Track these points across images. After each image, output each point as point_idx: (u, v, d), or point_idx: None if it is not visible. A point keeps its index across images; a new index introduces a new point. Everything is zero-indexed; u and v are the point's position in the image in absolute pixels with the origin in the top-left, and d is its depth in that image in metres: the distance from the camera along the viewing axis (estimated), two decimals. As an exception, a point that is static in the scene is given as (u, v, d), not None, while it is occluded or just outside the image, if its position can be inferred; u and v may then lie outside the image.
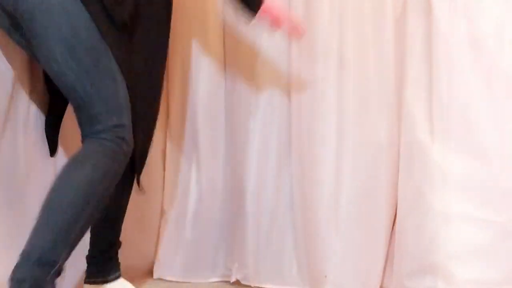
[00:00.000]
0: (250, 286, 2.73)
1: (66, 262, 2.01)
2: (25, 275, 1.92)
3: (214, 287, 2.78)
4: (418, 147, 2.57)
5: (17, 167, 2.27)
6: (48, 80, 2.26)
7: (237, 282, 2.77)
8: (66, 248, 1.98)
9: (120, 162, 2.11)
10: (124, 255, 2.48)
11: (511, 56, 2.50)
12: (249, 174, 2.73)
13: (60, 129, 2.36)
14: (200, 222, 2.83)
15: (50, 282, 1.95)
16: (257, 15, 2.41)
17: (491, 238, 2.49)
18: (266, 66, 2.71)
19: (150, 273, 2.85)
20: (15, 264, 1.94)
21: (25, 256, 1.95)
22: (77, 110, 2.13)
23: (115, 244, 2.44)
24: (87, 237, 2.34)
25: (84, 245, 2.34)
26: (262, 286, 2.72)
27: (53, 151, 2.36)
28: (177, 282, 2.82)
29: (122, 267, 2.47)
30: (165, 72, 2.50)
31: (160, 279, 2.83)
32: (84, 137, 2.12)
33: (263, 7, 2.40)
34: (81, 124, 2.13)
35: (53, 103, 2.32)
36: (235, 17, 2.63)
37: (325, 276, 2.65)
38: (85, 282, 2.41)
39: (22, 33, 2.13)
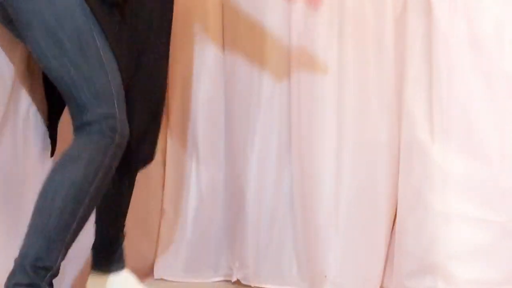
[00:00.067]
0: (250, 286, 2.73)
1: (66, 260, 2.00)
2: (20, 283, 1.90)
3: (214, 287, 2.78)
4: (418, 147, 2.57)
5: (16, 166, 2.26)
6: (45, 79, 2.24)
7: (238, 282, 2.77)
8: (61, 251, 1.95)
9: (113, 155, 2.03)
10: (124, 255, 2.49)
11: (511, 56, 2.50)
12: (249, 174, 2.73)
13: (59, 130, 2.36)
14: (201, 222, 2.83)
15: (46, 285, 1.93)
16: None
17: (491, 238, 2.49)
18: (266, 65, 2.71)
19: (150, 273, 2.85)
20: (10, 270, 1.93)
21: (20, 263, 1.92)
22: (67, 101, 2.07)
23: (118, 237, 2.41)
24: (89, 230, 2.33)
25: (83, 241, 2.34)
26: (262, 286, 2.72)
27: (53, 151, 2.35)
28: (177, 282, 2.82)
29: (122, 267, 2.47)
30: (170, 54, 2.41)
31: (161, 279, 2.83)
32: (75, 129, 2.05)
33: None
34: (72, 115, 2.07)
35: (50, 102, 2.31)
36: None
37: (325, 276, 2.65)
38: (91, 269, 2.40)
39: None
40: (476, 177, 2.51)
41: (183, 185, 2.84)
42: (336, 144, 2.64)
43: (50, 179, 1.99)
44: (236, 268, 2.76)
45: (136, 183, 2.40)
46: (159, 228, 2.88)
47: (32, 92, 2.31)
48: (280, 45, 2.71)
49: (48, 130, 2.33)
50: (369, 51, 2.63)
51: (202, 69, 2.78)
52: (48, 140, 2.33)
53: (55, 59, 2.01)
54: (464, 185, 2.52)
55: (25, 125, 2.28)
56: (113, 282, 2.38)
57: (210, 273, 2.83)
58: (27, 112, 2.29)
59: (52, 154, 2.34)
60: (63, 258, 1.97)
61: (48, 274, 1.93)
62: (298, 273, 2.72)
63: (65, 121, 2.36)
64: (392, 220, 2.66)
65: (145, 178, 2.42)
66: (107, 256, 2.38)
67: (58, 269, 1.96)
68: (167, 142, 2.85)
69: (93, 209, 2.03)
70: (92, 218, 2.34)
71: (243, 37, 2.74)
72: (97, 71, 2.02)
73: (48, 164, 2.34)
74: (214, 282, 2.82)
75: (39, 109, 2.33)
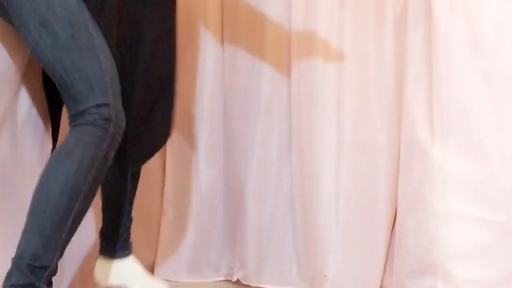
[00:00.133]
0: (250, 286, 2.73)
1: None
2: (17, 283, 1.89)
3: (214, 287, 2.78)
4: (418, 147, 2.57)
5: (15, 166, 2.26)
6: (45, 77, 2.23)
7: (238, 281, 2.77)
8: (57, 248, 1.93)
9: (108, 147, 1.97)
10: (124, 255, 2.49)
11: (511, 56, 2.50)
12: (249, 174, 2.73)
13: (60, 130, 2.36)
14: (201, 222, 2.83)
15: (44, 284, 1.92)
16: None
17: (491, 238, 2.49)
18: (266, 65, 2.72)
19: (151, 273, 2.85)
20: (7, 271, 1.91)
21: (16, 263, 1.91)
22: (61, 92, 2.03)
23: (123, 223, 2.38)
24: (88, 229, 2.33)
25: (82, 240, 2.34)
26: (262, 286, 2.72)
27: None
28: (178, 282, 2.82)
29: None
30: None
31: (161, 279, 2.83)
32: (70, 121, 2.01)
33: None
34: (66, 107, 2.03)
35: (51, 101, 2.31)
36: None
37: (325, 276, 2.65)
38: (98, 255, 2.39)
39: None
40: (476, 177, 2.51)
41: (183, 185, 2.84)
42: (336, 144, 2.65)
43: (44, 176, 1.96)
44: (236, 268, 2.76)
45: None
46: (159, 228, 2.88)
47: (32, 91, 2.31)
48: (280, 45, 2.71)
49: (50, 130, 2.33)
50: (369, 51, 2.63)
51: (202, 69, 2.79)
52: (48, 140, 2.33)
53: (48, 48, 1.98)
54: (464, 185, 2.52)
55: (24, 125, 2.28)
56: (118, 268, 2.37)
57: (211, 273, 2.83)
58: (27, 112, 2.29)
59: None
60: (60, 256, 1.95)
61: (46, 273, 1.91)
62: (298, 273, 2.73)
63: (66, 121, 2.37)
64: (392, 220, 2.66)
65: (145, 178, 2.41)
66: (113, 242, 2.37)
67: (56, 267, 1.94)
68: (167, 142, 2.85)
69: (89, 203, 2.00)
70: (92, 218, 2.34)
71: (243, 36, 2.75)
72: (89, 59, 1.98)
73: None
74: (214, 282, 2.82)
75: (39, 108, 2.33)
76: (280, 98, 2.72)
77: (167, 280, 2.81)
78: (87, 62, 1.98)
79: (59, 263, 1.96)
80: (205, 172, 2.82)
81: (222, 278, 2.82)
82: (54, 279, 1.97)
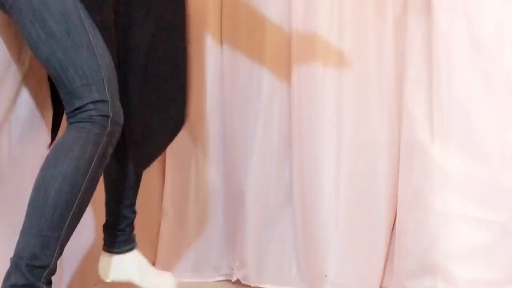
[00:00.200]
0: (250, 285, 2.73)
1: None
2: (16, 284, 1.88)
3: (214, 287, 2.78)
4: (418, 147, 2.57)
5: (15, 167, 2.26)
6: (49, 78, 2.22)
7: (238, 281, 2.77)
8: (56, 247, 1.92)
9: (106, 144, 1.96)
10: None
11: (511, 56, 2.50)
12: (249, 174, 2.73)
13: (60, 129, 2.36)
14: (201, 222, 2.83)
15: (43, 284, 1.91)
16: None
17: (491, 238, 2.49)
18: (266, 65, 2.72)
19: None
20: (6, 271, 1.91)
21: (15, 263, 1.90)
22: (59, 89, 2.01)
23: (124, 217, 2.38)
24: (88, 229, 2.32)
25: (81, 239, 2.34)
26: (262, 286, 2.72)
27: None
28: (178, 281, 2.82)
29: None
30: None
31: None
32: (68, 118, 2.00)
33: None
34: (64, 104, 2.01)
35: (54, 102, 2.30)
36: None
37: (325, 276, 2.66)
38: (103, 248, 2.40)
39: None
40: (476, 177, 2.51)
41: (183, 185, 2.84)
42: (336, 144, 2.65)
43: (42, 175, 1.95)
44: (236, 267, 2.76)
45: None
46: (159, 228, 2.88)
47: (32, 91, 2.31)
48: (280, 45, 2.71)
49: (52, 130, 2.33)
50: (369, 51, 2.63)
51: (202, 69, 2.79)
52: (48, 140, 2.33)
53: (43, 43, 1.97)
54: (464, 185, 2.52)
55: (24, 125, 2.29)
56: (119, 262, 2.37)
57: (211, 273, 2.83)
58: (27, 112, 2.29)
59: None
60: (59, 255, 1.94)
61: (45, 273, 1.90)
62: (298, 273, 2.73)
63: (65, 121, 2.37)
64: (392, 220, 2.66)
65: (145, 178, 2.41)
66: (115, 236, 2.37)
67: (55, 266, 1.93)
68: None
69: (88, 201, 1.99)
70: (91, 217, 2.34)
71: (243, 36, 2.75)
72: (84, 55, 1.96)
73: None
74: (214, 282, 2.82)
75: (39, 108, 2.33)
76: (280, 98, 2.72)
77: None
78: (83, 58, 1.96)
79: (58, 262, 1.96)
80: (205, 172, 2.82)
81: (222, 278, 2.82)
82: (53, 278, 1.97)
